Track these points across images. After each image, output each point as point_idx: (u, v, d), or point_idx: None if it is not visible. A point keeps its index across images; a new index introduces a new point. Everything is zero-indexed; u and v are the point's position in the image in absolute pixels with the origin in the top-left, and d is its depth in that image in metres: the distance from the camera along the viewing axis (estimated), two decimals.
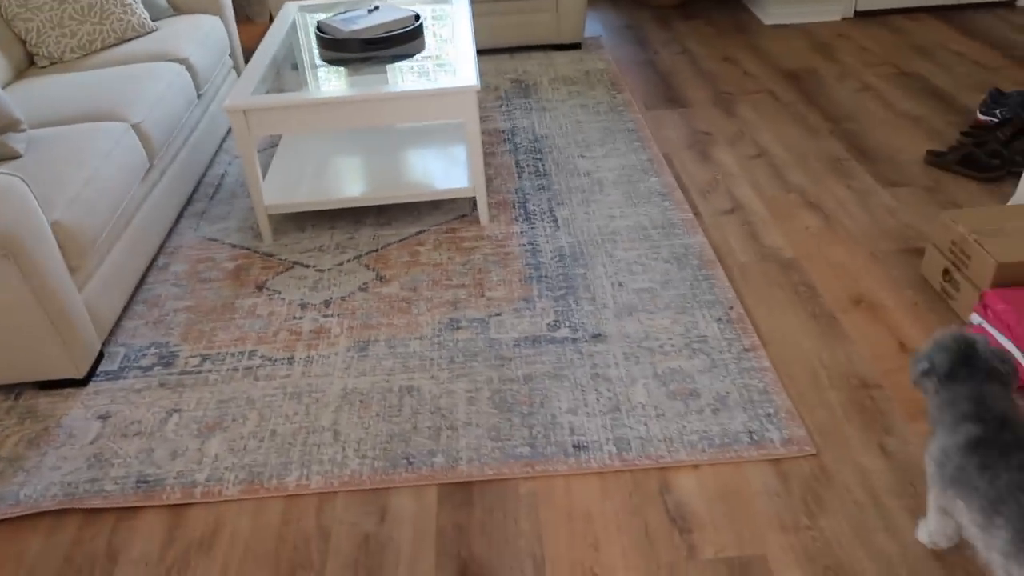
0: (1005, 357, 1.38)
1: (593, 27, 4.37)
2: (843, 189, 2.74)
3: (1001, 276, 2.01)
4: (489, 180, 2.91)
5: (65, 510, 1.76)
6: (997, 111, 2.96)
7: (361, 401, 1.98)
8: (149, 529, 1.71)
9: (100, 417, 1.98)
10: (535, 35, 3.99)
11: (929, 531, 1.53)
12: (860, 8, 4.23)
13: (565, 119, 3.33)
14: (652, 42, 4.11)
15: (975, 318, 2.02)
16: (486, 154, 3.08)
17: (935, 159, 2.82)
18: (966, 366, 1.37)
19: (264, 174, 2.93)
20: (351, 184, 2.68)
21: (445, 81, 2.44)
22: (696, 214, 2.66)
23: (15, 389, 2.09)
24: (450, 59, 2.63)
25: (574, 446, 1.82)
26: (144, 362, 2.15)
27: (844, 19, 4.23)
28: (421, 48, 2.77)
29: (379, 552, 1.63)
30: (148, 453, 1.87)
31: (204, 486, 1.78)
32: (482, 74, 3.82)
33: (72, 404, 2.03)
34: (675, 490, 1.72)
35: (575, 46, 4.07)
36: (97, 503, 1.75)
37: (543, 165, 2.99)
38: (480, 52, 4.10)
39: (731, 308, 2.21)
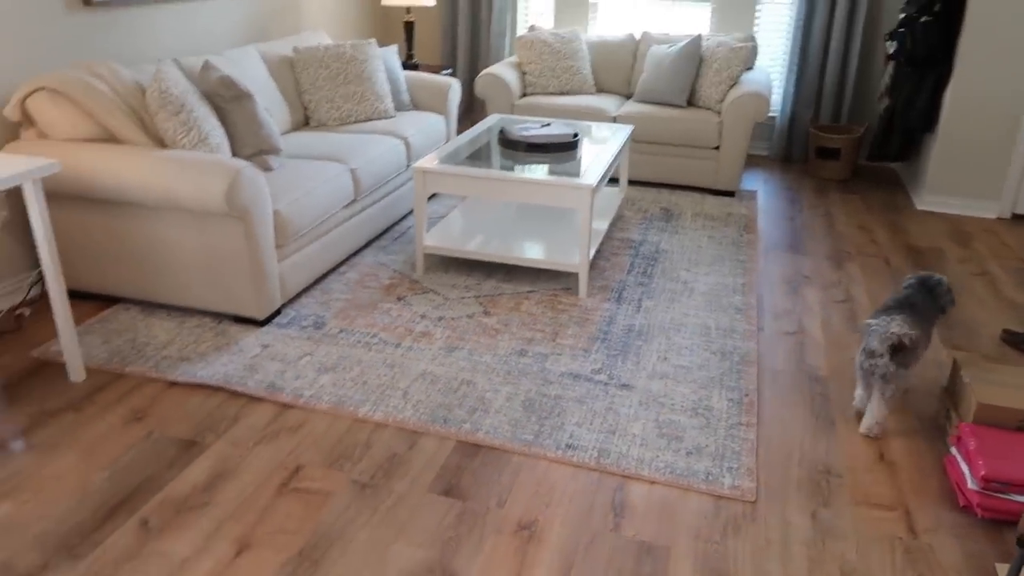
0: (947, 304, 2.53)
1: (754, 183, 4.92)
2: None
3: (981, 414, 2.26)
4: (602, 270, 3.54)
5: (219, 388, 2.57)
6: None
7: (431, 380, 2.64)
8: (263, 413, 2.46)
9: (263, 345, 2.82)
10: (695, 178, 4.64)
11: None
12: (1019, 211, 4.41)
13: (690, 243, 3.90)
14: (802, 203, 4.59)
15: (952, 448, 2.28)
16: (611, 254, 3.73)
17: (1009, 336, 3.02)
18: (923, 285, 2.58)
19: (432, 226, 3.78)
20: (489, 244, 3.44)
21: (569, 178, 3.17)
22: (759, 329, 3.08)
23: (219, 316, 3.01)
24: (585, 167, 3.35)
25: (567, 445, 2.34)
26: (304, 323, 2.99)
27: (999, 218, 4.43)
28: (572, 158, 3.53)
29: (398, 465, 2.24)
30: (281, 373, 2.65)
31: (306, 399, 2.51)
32: (637, 199, 4.51)
33: (249, 334, 2.90)
34: (627, 491, 2.17)
35: (729, 193, 4.65)
36: (238, 389, 2.55)
37: (652, 269, 3.57)
38: (644, 183, 4.81)
39: (746, 395, 2.62)
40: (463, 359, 2.78)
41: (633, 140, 4.68)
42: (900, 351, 2.33)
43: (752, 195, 4.67)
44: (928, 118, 4.54)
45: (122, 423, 2.40)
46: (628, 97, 5.17)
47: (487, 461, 2.27)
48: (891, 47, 4.61)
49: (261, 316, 2.93)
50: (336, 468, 2.22)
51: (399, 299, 3.22)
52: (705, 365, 2.79)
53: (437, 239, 3.48)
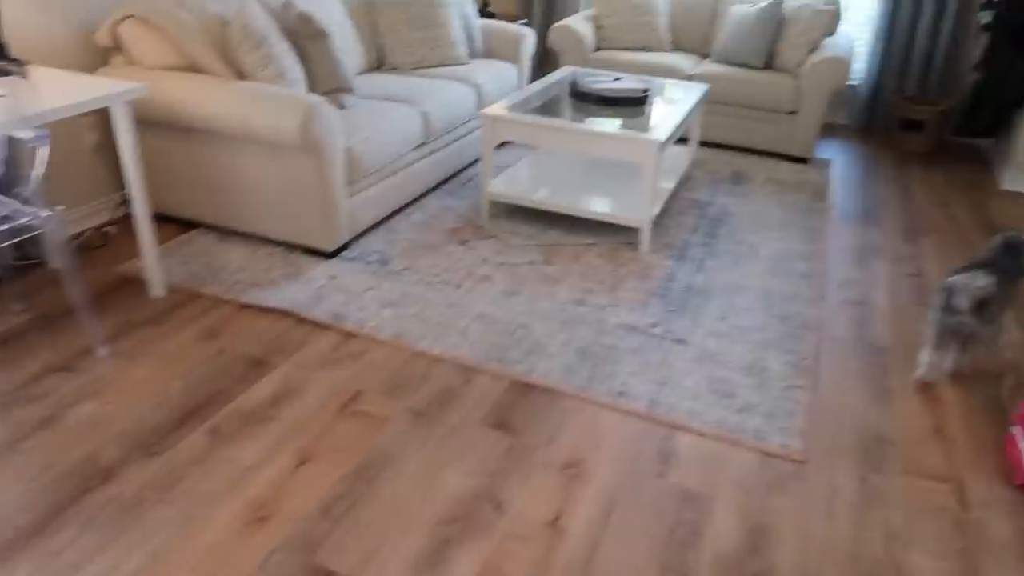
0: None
1: (830, 151, 4.80)
2: None
3: None
4: (666, 228, 3.52)
5: (287, 313, 2.68)
6: None
7: (489, 321, 2.70)
8: (328, 339, 2.56)
9: (329, 277, 2.92)
10: (769, 143, 4.54)
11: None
12: None
13: (758, 207, 3.84)
14: (880, 175, 4.45)
15: (1014, 427, 2.23)
16: (676, 213, 3.70)
17: None
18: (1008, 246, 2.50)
19: (499, 174, 3.81)
20: (554, 194, 3.46)
21: (637, 133, 3.15)
22: (823, 297, 3.04)
23: (290, 246, 3.13)
24: (654, 123, 3.32)
25: (618, 392, 2.37)
26: (370, 259, 3.07)
27: None
28: (642, 113, 3.49)
29: (452, 398, 2.31)
30: (346, 303, 2.75)
31: (369, 329, 2.60)
32: (707, 161, 4.45)
33: (317, 265, 3.00)
34: (674, 441, 2.20)
35: (803, 160, 4.54)
36: (305, 315, 2.65)
37: (717, 230, 3.54)
38: (716, 145, 4.74)
39: (803, 359, 2.60)
40: (521, 304, 2.82)
41: (707, 101, 4.60)
42: (982, 308, 2.28)
43: (827, 164, 4.56)
44: (1022, 93, 4.33)
45: (196, 339, 2.53)
46: (705, 56, 5.06)
47: (539, 401, 2.33)
48: (986, 17, 4.40)
49: (329, 249, 3.02)
50: (393, 396, 2.31)
51: (462, 243, 3.27)
52: (764, 328, 2.78)
53: (503, 186, 3.51)
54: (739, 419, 2.28)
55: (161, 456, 2.03)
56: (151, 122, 3.04)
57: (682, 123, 3.48)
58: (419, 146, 3.50)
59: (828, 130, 5.27)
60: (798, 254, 3.36)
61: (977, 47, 4.58)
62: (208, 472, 1.99)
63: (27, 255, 2.90)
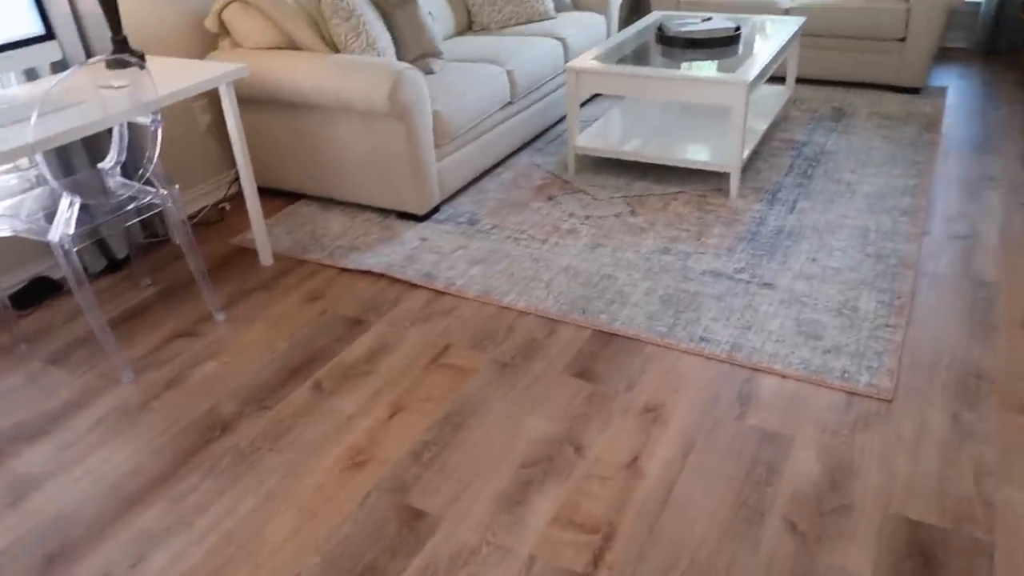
0: None
1: (947, 78, 4.48)
2: None
3: None
4: (758, 171, 3.44)
5: (382, 275, 2.85)
6: None
7: (574, 274, 2.76)
8: (420, 297, 2.70)
9: (421, 239, 3.06)
10: (876, 74, 4.30)
11: None
12: None
13: (860, 143, 3.67)
14: (1000, 99, 4.13)
15: None
16: (769, 155, 3.60)
17: None
18: None
19: (586, 127, 3.82)
20: (640, 144, 3.44)
21: (721, 74, 3.07)
22: (925, 232, 2.90)
23: (385, 212, 3.29)
24: (744, 64, 3.23)
25: (700, 338, 2.39)
26: (460, 219, 3.19)
27: None
28: (735, 52, 3.40)
29: (537, 349, 2.41)
30: (436, 263, 2.88)
31: (457, 287, 2.72)
32: (808, 99, 4.27)
33: (410, 228, 3.15)
34: (756, 383, 2.20)
35: (914, 90, 4.28)
36: (399, 276, 2.81)
37: (812, 171, 3.42)
38: (817, 82, 4.52)
39: (898, 297, 2.52)
40: (606, 256, 2.86)
41: (808, 34, 4.39)
42: None
43: (942, 92, 4.27)
44: None
45: (301, 302, 2.74)
46: None
47: (620, 349, 2.38)
48: None
49: (421, 212, 3.16)
50: (480, 349, 2.43)
51: (549, 198, 3.33)
52: (857, 267, 2.69)
53: (589, 139, 3.53)
54: (824, 360, 2.25)
55: (272, 409, 2.24)
56: (256, 100, 3.26)
57: (774, 61, 3.36)
58: (506, 105, 3.56)
59: (945, 55, 4.91)
60: (901, 189, 3.21)
61: None
62: (312, 423, 2.18)
63: (154, 233, 3.20)
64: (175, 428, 2.20)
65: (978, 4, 4.85)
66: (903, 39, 4.18)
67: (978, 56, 4.84)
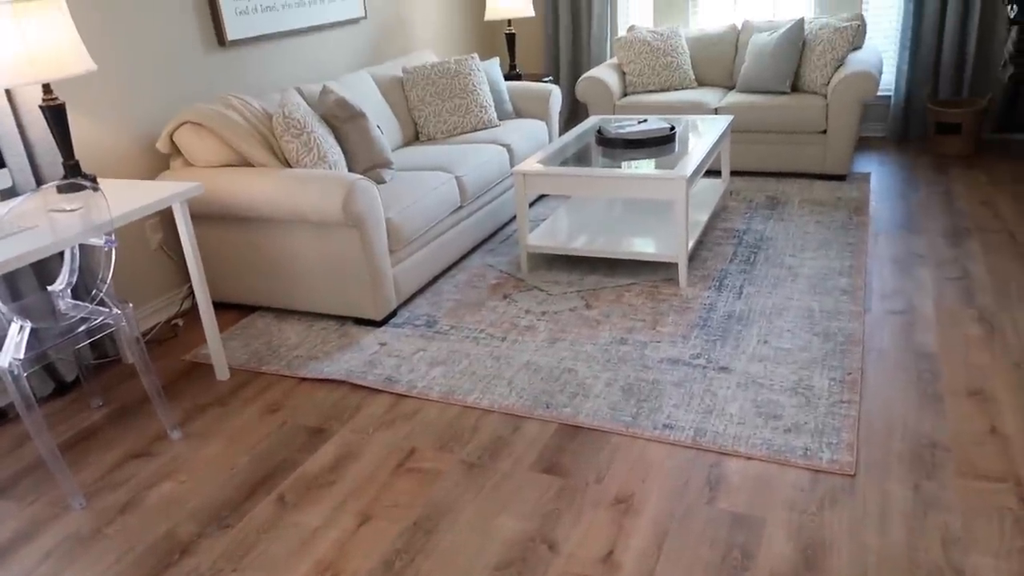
0: None
1: (867, 164, 4.78)
2: None
3: None
4: (703, 260, 3.57)
5: (342, 382, 2.83)
6: None
7: (534, 370, 2.79)
8: (382, 402, 2.69)
9: (380, 343, 3.06)
10: (803, 164, 4.57)
11: None
12: None
13: (796, 229, 3.86)
14: (919, 182, 4.41)
15: None
16: (713, 244, 3.75)
17: None
18: None
19: (536, 227, 3.93)
20: (590, 240, 3.56)
21: (662, 171, 3.23)
22: (866, 310, 3.03)
23: (342, 319, 3.30)
24: (681, 160, 3.40)
25: (664, 425, 2.42)
26: (418, 322, 3.22)
27: None
28: (671, 151, 3.59)
29: (503, 447, 2.40)
30: (397, 367, 2.88)
31: (419, 389, 2.72)
32: (742, 189, 4.49)
33: (368, 333, 3.15)
34: (722, 467, 2.22)
35: (840, 177, 4.54)
36: (359, 382, 2.79)
37: (755, 256, 3.57)
38: (750, 173, 4.78)
39: (849, 374, 2.60)
40: (565, 349, 2.91)
41: (737, 130, 4.66)
42: None
43: (865, 177, 4.54)
44: None
45: (260, 414, 2.69)
46: (730, 88, 5.14)
47: (586, 442, 2.39)
48: (1013, 11, 4.37)
49: (378, 317, 3.18)
50: (446, 450, 2.41)
51: (505, 297, 3.39)
52: (807, 347, 2.79)
53: (540, 238, 3.63)
54: (786, 439, 2.30)
55: (233, 527, 2.16)
56: (209, 216, 3.28)
57: (709, 156, 3.55)
58: (457, 209, 3.66)
59: (865, 144, 5.25)
60: (838, 270, 3.36)
61: (1008, 42, 4.53)
62: (277, 538, 2.11)
63: (104, 353, 3.14)
64: (131, 555, 2.10)
65: (888, 96, 5.23)
66: (824, 131, 4.47)
67: (893, 143, 5.18)
